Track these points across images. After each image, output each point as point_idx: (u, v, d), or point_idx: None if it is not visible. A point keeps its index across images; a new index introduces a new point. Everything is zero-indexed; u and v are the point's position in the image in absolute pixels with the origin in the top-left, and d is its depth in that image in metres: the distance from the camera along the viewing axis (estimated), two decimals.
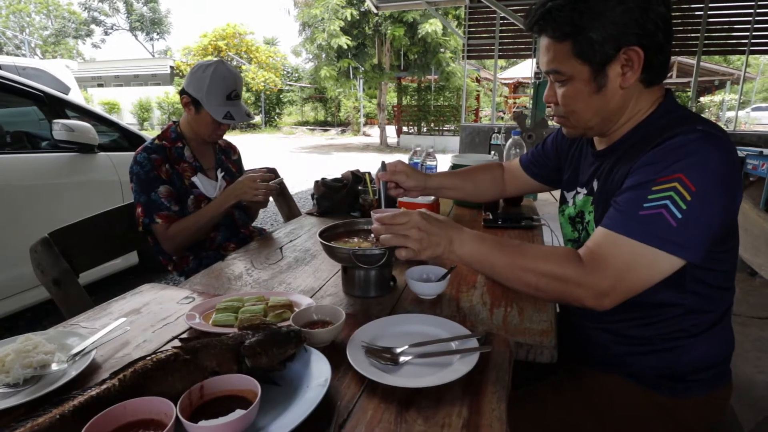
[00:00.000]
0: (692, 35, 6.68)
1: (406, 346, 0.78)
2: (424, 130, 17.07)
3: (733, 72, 16.53)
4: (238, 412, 0.58)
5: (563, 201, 1.11)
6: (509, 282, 0.83)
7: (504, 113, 17.67)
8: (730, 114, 14.23)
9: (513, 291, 1.04)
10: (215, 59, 1.65)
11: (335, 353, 0.77)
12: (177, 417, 0.55)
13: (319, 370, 0.70)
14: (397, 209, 0.94)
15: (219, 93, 1.59)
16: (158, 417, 0.57)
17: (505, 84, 19.02)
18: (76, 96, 6.86)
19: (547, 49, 0.87)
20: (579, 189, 1.03)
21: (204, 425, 0.56)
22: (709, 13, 6.59)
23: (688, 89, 9.34)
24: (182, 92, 1.63)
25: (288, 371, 0.72)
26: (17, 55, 25.49)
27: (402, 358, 0.75)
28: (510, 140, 1.97)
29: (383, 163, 1.22)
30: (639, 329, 0.90)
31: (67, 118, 2.88)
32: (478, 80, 17.20)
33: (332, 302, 1.02)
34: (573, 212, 1.04)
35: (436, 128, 16.89)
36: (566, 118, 0.92)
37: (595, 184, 0.96)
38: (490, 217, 1.68)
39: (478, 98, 17.12)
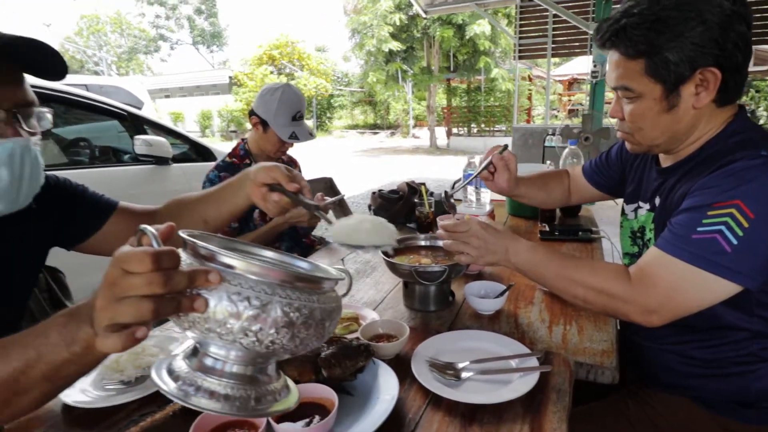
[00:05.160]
0: None
1: (468, 362, 0.82)
2: (475, 131, 16.85)
3: None
4: (320, 419, 0.66)
5: (623, 213, 1.11)
6: (559, 292, 0.89)
7: (558, 111, 17.06)
8: None
9: (572, 308, 1.06)
10: (282, 83, 1.77)
11: (400, 365, 0.83)
12: (268, 420, 0.63)
13: (387, 383, 0.76)
14: (461, 215, 1.00)
15: (285, 114, 1.71)
16: (252, 419, 0.66)
17: (559, 81, 18.34)
18: (148, 110, 7.46)
19: (617, 65, 0.86)
20: (641, 203, 1.03)
21: (295, 429, 0.63)
22: None
23: (767, 78, 8.57)
24: (251, 113, 1.77)
25: (359, 382, 0.78)
26: (96, 72, 27.96)
27: (464, 374, 0.80)
28: (566, 150, 1.95)
29: (506, 146, 1.22)
30: (704, 351, 0.89)
31: (146, 133, 3.18)
32: (530, 78, 16.73)
33: (393, 315, 1.09)
34: (635, 226, 1.04)
35: (487, 129, 16.61)
36: (631, 135, 0.91)
37: (657, 201, 0.96)
38: (547, 228, 1.67)
39: (530, 97, 16.67)
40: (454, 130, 17.10)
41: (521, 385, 0.75)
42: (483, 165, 1.22)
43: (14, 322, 0.84)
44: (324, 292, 0.55)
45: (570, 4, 6.75)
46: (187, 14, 35.83)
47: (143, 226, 0.49)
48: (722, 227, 0.73)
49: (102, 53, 31.57)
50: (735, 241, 0.72)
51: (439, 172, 9.58)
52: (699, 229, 0.75)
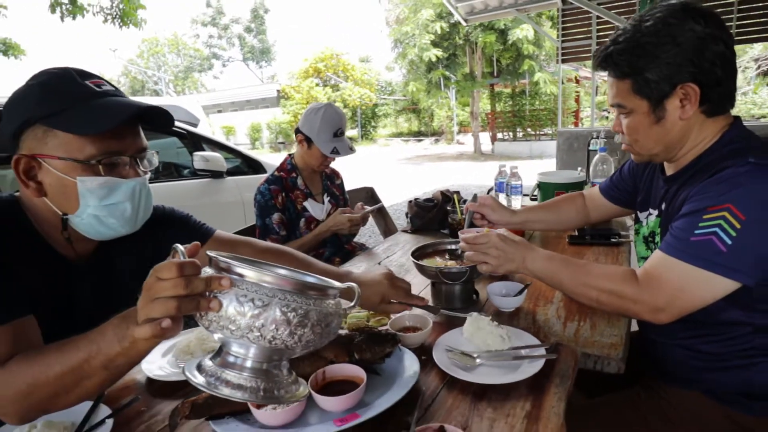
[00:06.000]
0: None
1: (482, 351, 0.93)
2: (520, 135, 16.57)
3: None
4: (351, 392, 0.79)
5: (637, 220, 1.17)
6: (574, 295, 0.97)
7: (608, 112, 16.40)
8: None
9: (588, 307, 1.13)
10: (324, 103, 1.95)
11: (423, 353, 0.95)
12: (309, 391, 0.77)
13: (410, 366, 0.88)
14: (481, 228, 1.10)
15: (327, 131, 1.88)
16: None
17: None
18: (204, 126, 8.02)
19: (611, 85, 0.98)
20: (651, 210, 1.10)
21: (329, 398, 0.77)
22: None
23: None
24: (297, 131, 1.96)
25: (386, 365, 0.91)
26: (156, 91, 30.07)
27: (478, 360, 0.90)
28: (597, 156, 1.99)
29: (475, 195, 1.38)
30: (710, 345, 0.94)
31: (203, 149, 3.49)
32: (576, 80, 16.24)
33: (423, 312, 1.20)
34: (646, 232, 1.11)
35: (533, 133, 16.28)
36: (631, 146, 1.02)
37: (663, 206, 1.03)
38: (576, 233, 1.72)
39: (577, 99, 16.12)
40: (499, 135, 16.88)
41: (528, 369, 0.84)
42: (467, 220, 1.33)
43: None
44: (321, 298, 0.67)
45: (614, 4, 6.58)
46: (238, 33, 37.88)
47: (175, 244, 0.65)
48: (717, 229, 0.81)
49: (160, 73, 34.02)
50: (729, 242, 0.79)
51: (481, 177, 9.55)
52: (696, 231, 0.83)
